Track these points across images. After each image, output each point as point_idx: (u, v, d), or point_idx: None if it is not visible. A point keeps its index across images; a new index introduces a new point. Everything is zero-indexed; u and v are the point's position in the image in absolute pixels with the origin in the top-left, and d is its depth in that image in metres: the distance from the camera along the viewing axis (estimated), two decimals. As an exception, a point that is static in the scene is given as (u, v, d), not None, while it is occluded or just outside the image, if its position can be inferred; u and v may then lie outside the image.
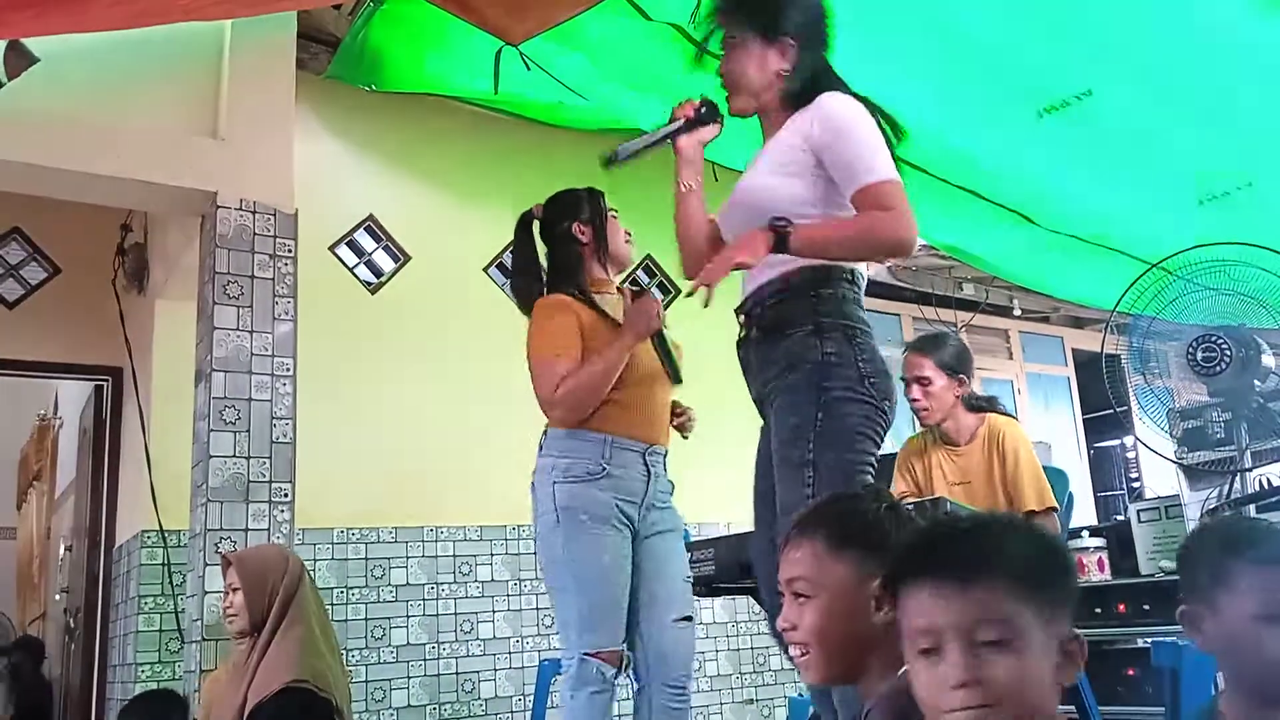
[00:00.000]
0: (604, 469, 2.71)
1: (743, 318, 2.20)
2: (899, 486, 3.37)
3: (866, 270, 2.21)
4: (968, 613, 1.13)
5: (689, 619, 2.76)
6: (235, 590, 2.94)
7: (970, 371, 3.33)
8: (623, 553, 2.71)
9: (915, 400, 3.28)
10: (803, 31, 2.19)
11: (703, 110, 2.31)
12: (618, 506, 2.71)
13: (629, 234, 3.00)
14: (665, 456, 2.87)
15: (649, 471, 2.80)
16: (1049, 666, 1.15)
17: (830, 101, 2.10)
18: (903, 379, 3.30)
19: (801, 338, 2.06)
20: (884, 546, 1.47)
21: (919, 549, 1.24)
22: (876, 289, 6.63)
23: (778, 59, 2.18)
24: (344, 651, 4.22)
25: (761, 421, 2.25)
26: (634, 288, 2.95)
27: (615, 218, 2.99)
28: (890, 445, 5.91)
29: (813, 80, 2.18)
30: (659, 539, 2.80)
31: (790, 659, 1.59)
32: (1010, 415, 3.39)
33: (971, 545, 1.19)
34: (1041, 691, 1.15)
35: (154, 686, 3.95)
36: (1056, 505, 3.14)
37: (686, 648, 2.76)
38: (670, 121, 2.34)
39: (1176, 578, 1.80)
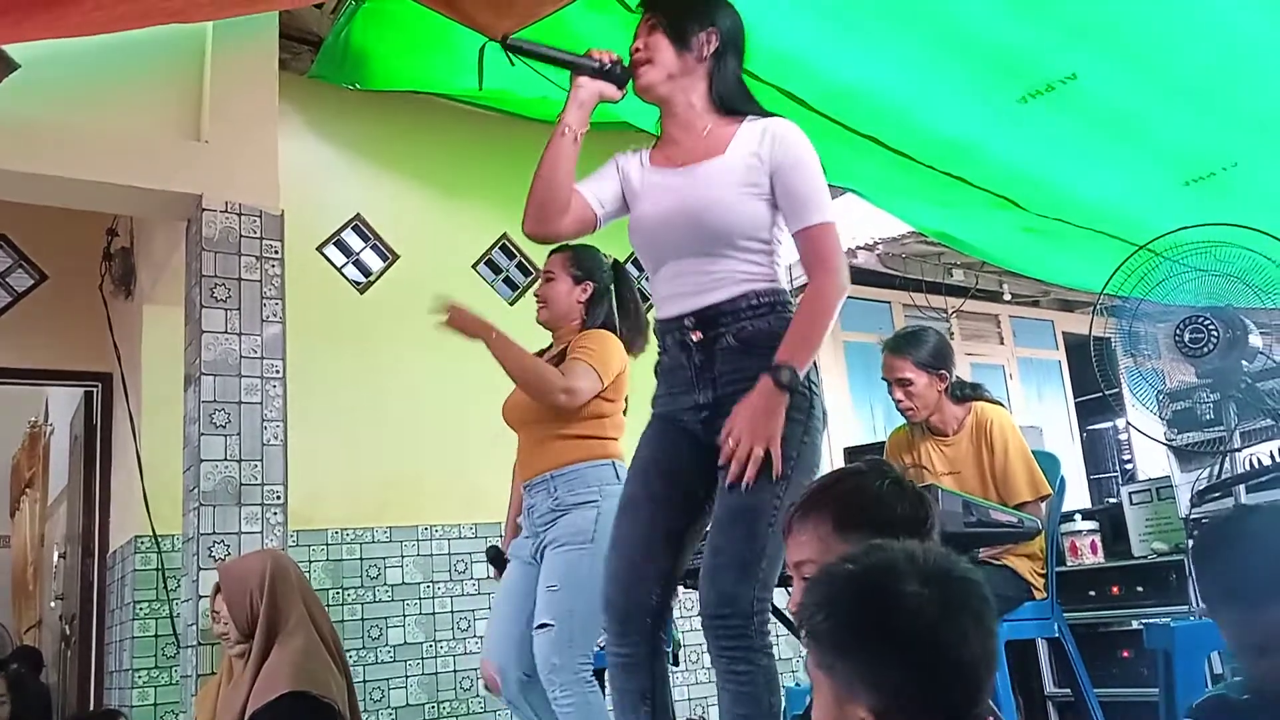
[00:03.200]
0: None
1: (691, 321, 2.13)
2: None
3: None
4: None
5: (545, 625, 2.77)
6: (222, 602, 2.97)
7: (951, 364, 3.31)
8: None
9: (899, 401, 3.28)
10: (730, 33, 2.20)
11: (617, 68, 2.25)
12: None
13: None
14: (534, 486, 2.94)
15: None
16: None
17: (789, 129, 2.12)
18: (884, 380, 3.31)
19: (772, 355, 2.05)
20: (891, 523, 1.47)
21: (805, 585, 1.29)
22: (866, 277, 6.63)
23: (699, 47, 2.16)
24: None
25: (664, 423, 2.22)
26: None
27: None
28: (878, 435, 5.90)
29: (739, 88, 2.20)
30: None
31: (800, 639, 1.60)
32: (997, 402, 3.39)
33: (810, 595, 1.22)
34: None
35: (151, 693, 3.96)
36: (1050, 492, 3.15)
37: (539, 652, 2.78)
38: (585, 55, 2.28)
39: (1171, 560, 1.80)
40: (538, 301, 3.12)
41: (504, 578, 3.03)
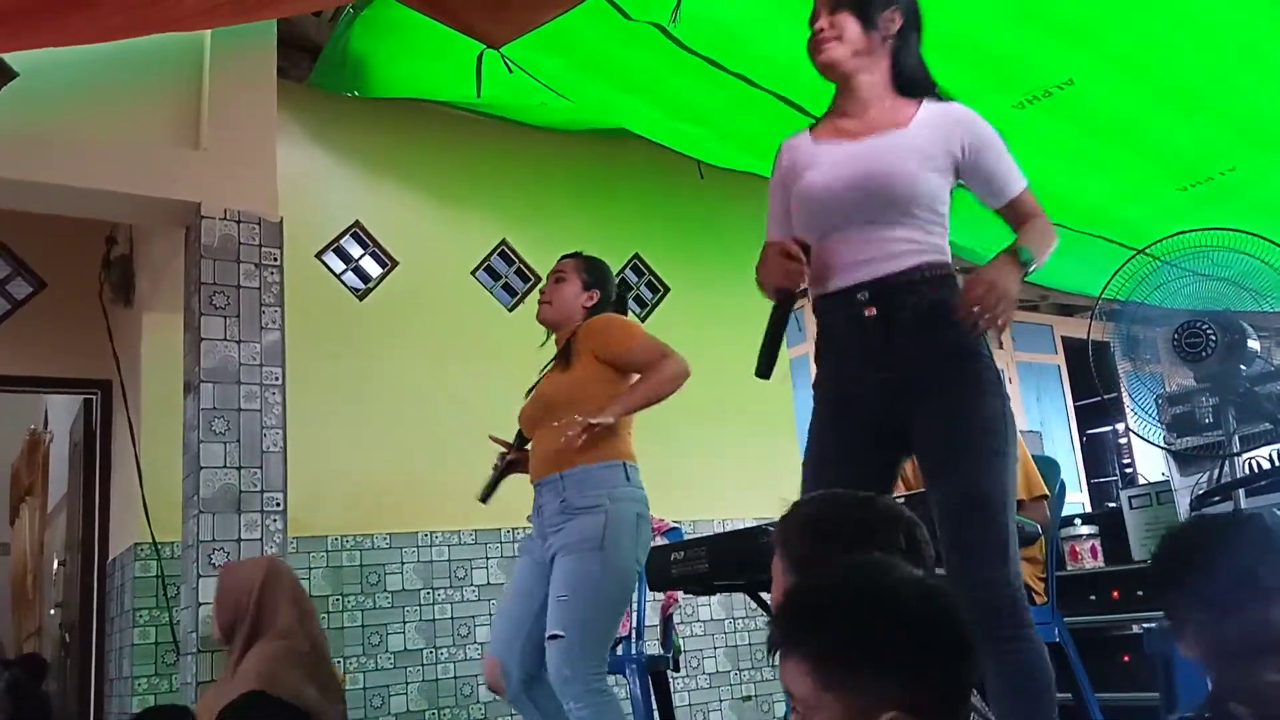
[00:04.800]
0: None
1: (865, 295, 2.10)
2: None
3: None
4: (786, 683, 1.14)
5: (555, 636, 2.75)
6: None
7: None
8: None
9: None
10: (912, 10, 2.23)
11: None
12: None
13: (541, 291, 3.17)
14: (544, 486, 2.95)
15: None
16: None
17: (973, 114, 2.18)
18: None
19: (963, 329, 2.03)
20: (863, 540, 1.46)
21: (776, 608, 1.26)
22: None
23: (885, 25, 2.19)
24: (341, 659, 4.23)
25: (838, 405, 2.17)
26: None
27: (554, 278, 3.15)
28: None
29: (920, 67, 2.22)
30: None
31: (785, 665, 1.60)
32: None
33: (789, 619, 1.18)
34: None
35: (152, 700, 3.95)
36: (1047, 493, 3.15)
37: (550, 662, 2.77)
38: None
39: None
40: (541, 299, 3.11)
41: (512, 576, 3.05)
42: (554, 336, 3.12)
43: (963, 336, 2.03)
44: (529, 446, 3.03)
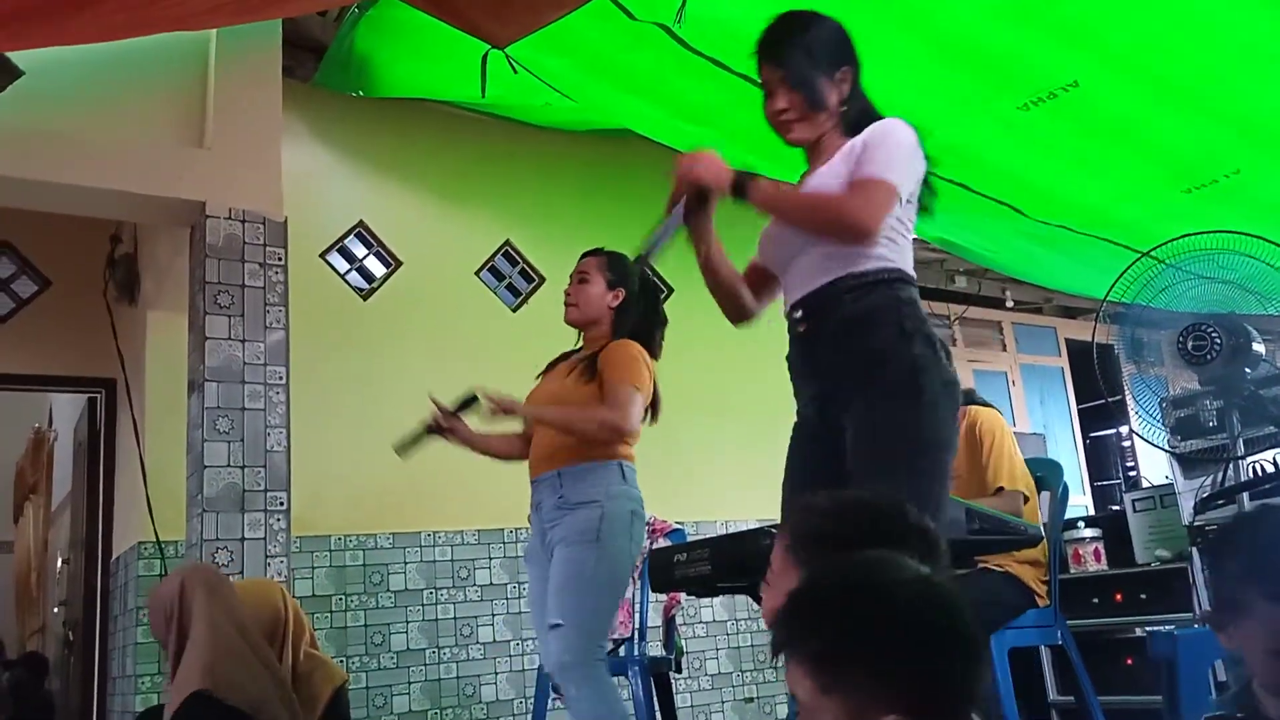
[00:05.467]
0: None
1: (800, 313, 2.16)
2: None
3: None
4: (789, 682, 1.12)
5: (555, 625, 2.81)
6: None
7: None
8: None
9: None
10: (851, 59, 2.24)
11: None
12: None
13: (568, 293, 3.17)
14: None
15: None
16: None
17: (881, 125, 2.16)
18: None
19: (893, 336, 2.05)
20: (873, 540, 1.45)
21: (778, 611, 1.21)
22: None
23: (836, 92, 2.21)
24: (344, 659, 4.23)
25: (798, 425, 2.22)
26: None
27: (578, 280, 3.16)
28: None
29: (864, 107, 2.24)
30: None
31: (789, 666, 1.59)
32: (990, 405, 3.40)
33: (789, 622, 1.14)
34: None
35: (155, 698, 3.95)
36: (1028, 494, 3.14)
37: (551, 650, 2.83)
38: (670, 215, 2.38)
39: (1175, 567, 1.79)
40: (567, 301, 3.13)
41: (530, 588, 3.11)
42: (582, 336, 3.15)
43: (882, 343, 2.04)
44: (470, 418, 3.08)
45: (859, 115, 2.22)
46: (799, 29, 2.22)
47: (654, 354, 3.09)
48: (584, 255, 3.17)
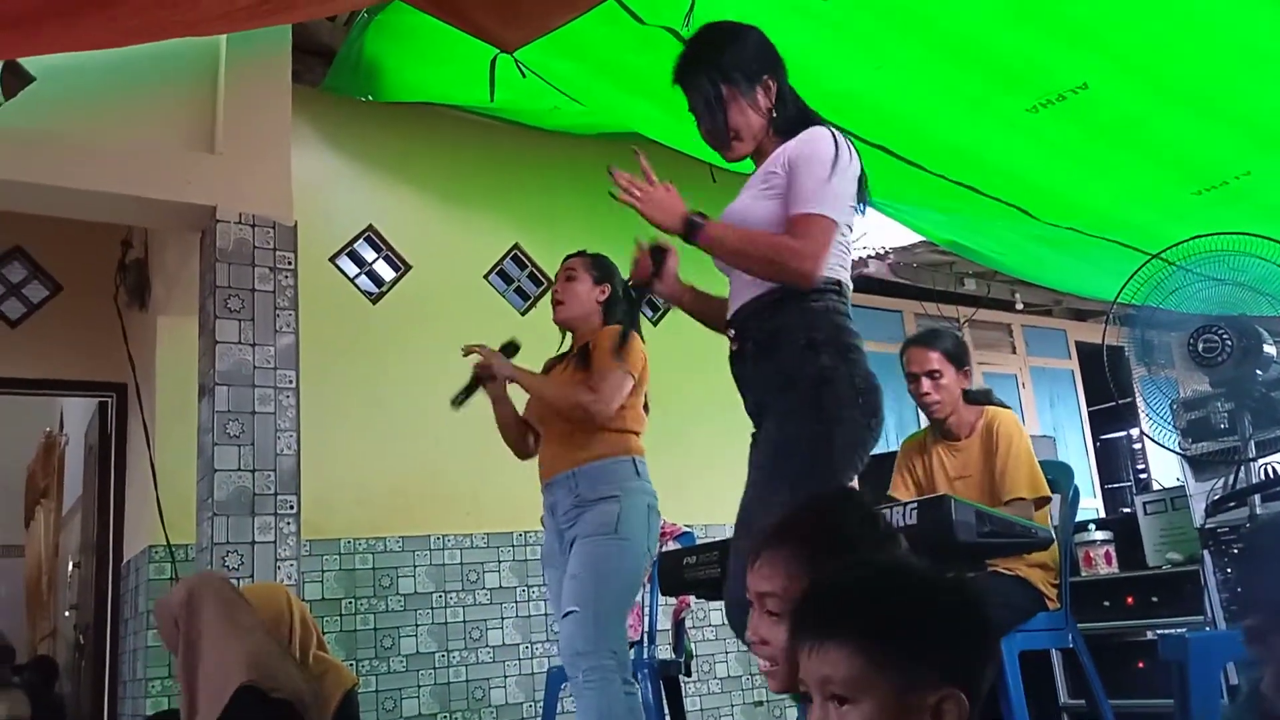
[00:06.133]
0: None
1: (732, 332, 2.22)
2: (897, 485, 3.36)
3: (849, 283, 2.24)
4: (818, 669, 1.17)
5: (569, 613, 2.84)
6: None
7: (971, 364, 3.36)
8: None
9: (926, 395, 3.25)
10: (774, 65, 2.26)
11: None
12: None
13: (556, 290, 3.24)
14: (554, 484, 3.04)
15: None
16: None
17: (811, 132, 2.17)
18: (908, 375, 3.30)
19: (797, 352, 2.08)
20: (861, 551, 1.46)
21: (798, 602, 1.26)
22: (877, 286, 6.63)
23: (765, 99, 2.23)
24: (353, 662, 4.24)
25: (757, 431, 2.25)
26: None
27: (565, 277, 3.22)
28: (890, 445, 5.91)
29: (796, 107, 2.27)
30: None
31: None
32: (1006, 406, 3.39)
33: (829, 604, 1.20)
34: None
35: (165, 702, 3.96)
36: (1049, 495, 3.13)
37: (562, 638, 2.86)
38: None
39: (1186, 570, 1.79)
40: (555, 301, 3.20)
41: (550, 590, 3.13)
42: (569, 336, 3.19)
43: (787, 361, 2.07)
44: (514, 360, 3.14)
45: (791, 119, 2.24)
46: (709, 51, 2.24)
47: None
48: (568, 256, 3.24)
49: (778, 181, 2.15)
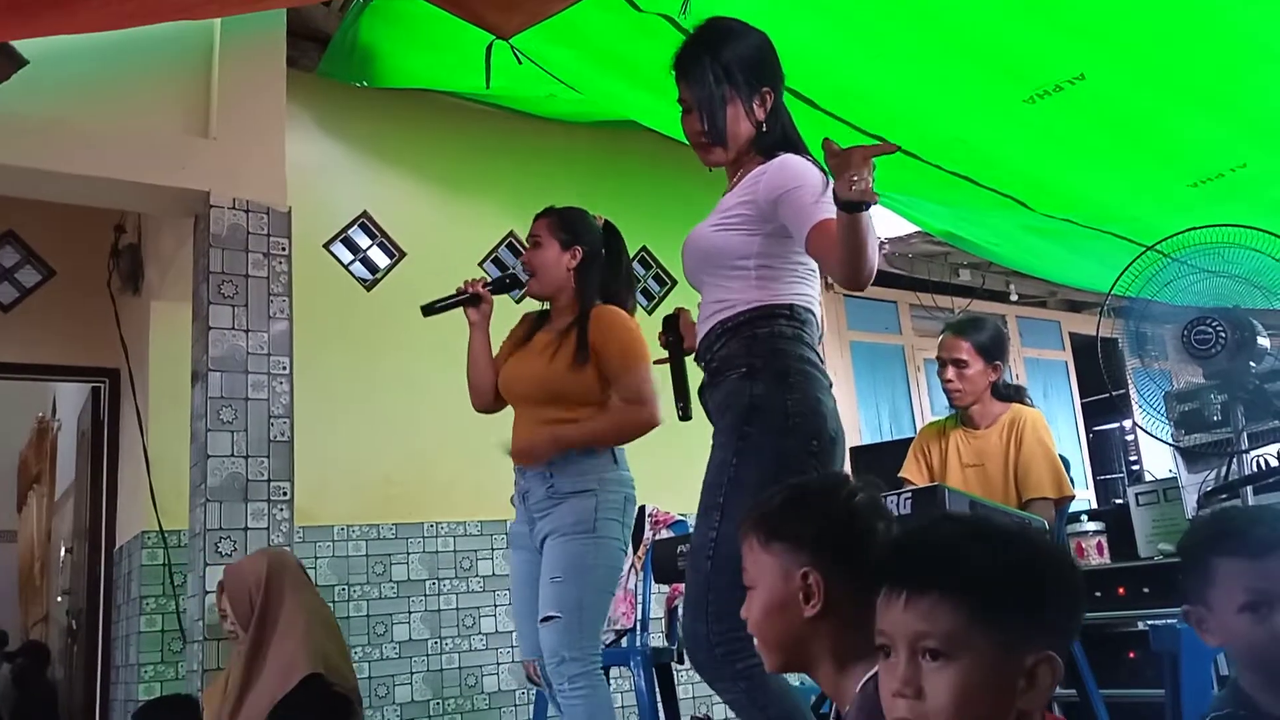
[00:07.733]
0: None
1: (701, 364, 2.23)
2: (910, 471, 3.39)
3: (820, 309, 2.22)
4: (912, 623, 1.13)
5: (552, 618, 2.71)
6: (227, 601, 3.02)
7: (1006, 358, 3.37)
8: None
9: (949, 381, 3.31)
10: (775, 77, 2.22)
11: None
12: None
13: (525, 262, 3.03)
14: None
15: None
16: (1004, 687, 1.10)
17: (776, 167, 2.12)
18: (938, 359, 3.34)
19: (735, 380, 2.09)
20: (816, 540, 1.44)
21: (889, 552, 1.23)
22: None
23: (759, 110, 2.19)
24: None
25: None
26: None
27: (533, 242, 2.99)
28: (884, 435, 5.89)
29: (783, 128, 2.22)
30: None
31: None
32: (1036, 409, 3.42)
33: (930, 556, 1.17)
34: (987, 711, 1.10)
35: (158, 687, 3.96)
36: (1073, 494, 3.18)
37: (545, 644, 2.73)
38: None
39: (1177, 562, 1.82)
40: (525, 270, 2.97)
41: (512, 572, 2.97)
42: (549, 305, 3.00)
43: (727, 392, 2.09)
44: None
45: (775, 139, 2.20)
46: (715, 47, 2.17)
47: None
48: (536, 217, 2.99)
49: (750, 215, 2.11)
